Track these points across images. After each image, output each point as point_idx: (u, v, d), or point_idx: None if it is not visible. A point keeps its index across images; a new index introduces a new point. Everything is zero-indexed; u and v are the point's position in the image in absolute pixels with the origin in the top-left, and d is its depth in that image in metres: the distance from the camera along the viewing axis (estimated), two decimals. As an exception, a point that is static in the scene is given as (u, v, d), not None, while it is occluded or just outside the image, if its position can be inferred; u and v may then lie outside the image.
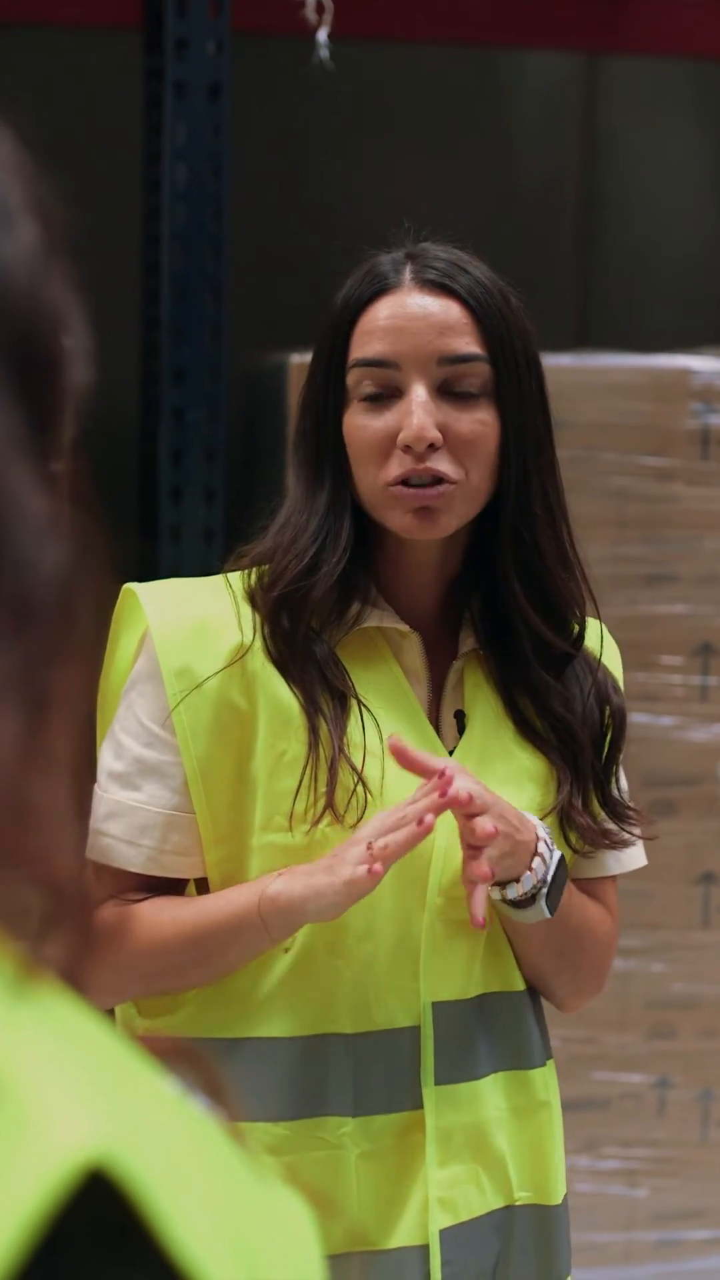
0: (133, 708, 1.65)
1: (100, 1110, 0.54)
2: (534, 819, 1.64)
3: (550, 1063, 1.74)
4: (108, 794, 1.66)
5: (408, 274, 1.65)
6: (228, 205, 2.95)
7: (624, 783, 1.77)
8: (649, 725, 3.05)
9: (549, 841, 1.63)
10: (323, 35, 3.00)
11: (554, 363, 3.24)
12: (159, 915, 1.63)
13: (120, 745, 1.66)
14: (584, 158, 4.00)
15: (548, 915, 1.63)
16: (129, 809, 1.65)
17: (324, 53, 2.99)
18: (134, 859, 1.65)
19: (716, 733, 3.16)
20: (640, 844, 1.77)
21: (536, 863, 1.61)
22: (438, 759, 1.59)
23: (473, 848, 1.56)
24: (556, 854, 1.63)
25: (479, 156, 3.87)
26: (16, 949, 0.58)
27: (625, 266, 4.01)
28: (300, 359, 2.97)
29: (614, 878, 1.78)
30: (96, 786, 1.67)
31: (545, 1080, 1.71)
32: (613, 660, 1.78)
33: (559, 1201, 1.72)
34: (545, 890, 1.62)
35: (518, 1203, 1.68)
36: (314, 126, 3.73)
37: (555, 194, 3.97)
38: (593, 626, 1.76)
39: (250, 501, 3.39)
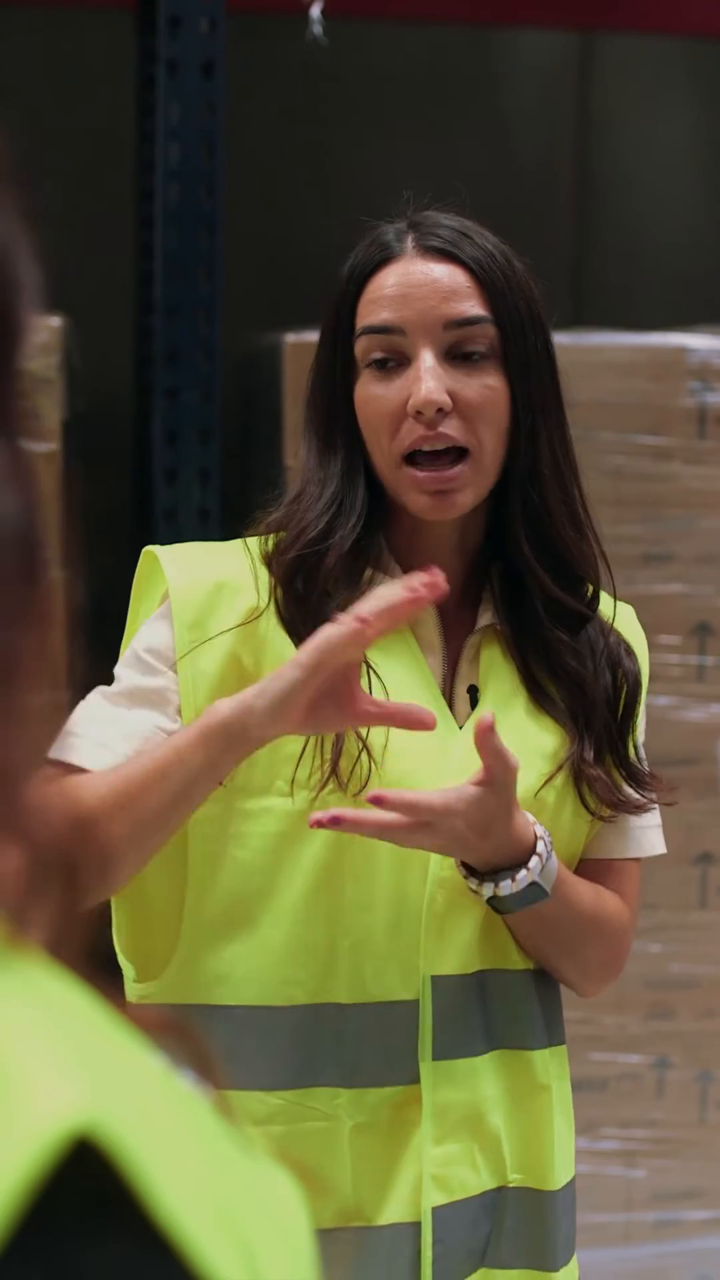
0: (139, 639, 1.64)
1: (86, 1079, 0.53)
2: (540, 849, 1.61)
3: (559, 1048, 1.72)
4: (92, 705, 1.63)
5: (410, 242, 1.66)
6: (222, 184, 2.93)
7: (643, 751, 1.76)
8: (646, 705, 3.04)
9: (536, 869, 1.60)
10: (316, 12, 2.98)
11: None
12: (93, 776, 1.56)
13: (118, 678, 1.65)
14: (579, 136, 3.99)
15: (493, 909, 1.62)
16: (115, 720, 1.61)
17: (318, 30, 2.98)
18: (99, 758, 1.59)
19: (714, 712, 3.16)
20: (659, 831, 1.76)
21: (505, 883, 1.60)
22: (510, 754, 1.54)
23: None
24: (536, 877, 1.60)
25: (474, 135, 3.86)
26: (2, 918, 0.57)
27: (620, 245, 4.00)
28: (295, 338, 2.96)
29: (635, 861, 1.76)
30: (83, 701, 1.64)
31: (547, 1064, 1.69)
32: (635, 639, 1.77)
33: (557, 1187, 1.69)
34: (492, 896, 1.61)
35: (510, 1184, 1.67)
36: (307, 105, 3.72)
37: (550, 172, 3.96)
38: (622, 610, 1.76)
39: (246, 482, 3.39)
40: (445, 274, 1.65)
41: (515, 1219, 1.67)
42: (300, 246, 3.61)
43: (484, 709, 1.67)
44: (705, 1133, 3.21)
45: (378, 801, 1.51)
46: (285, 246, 3.66)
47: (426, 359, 1.63)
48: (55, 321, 2.79)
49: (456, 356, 1.64)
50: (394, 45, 3.78)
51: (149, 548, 1.69)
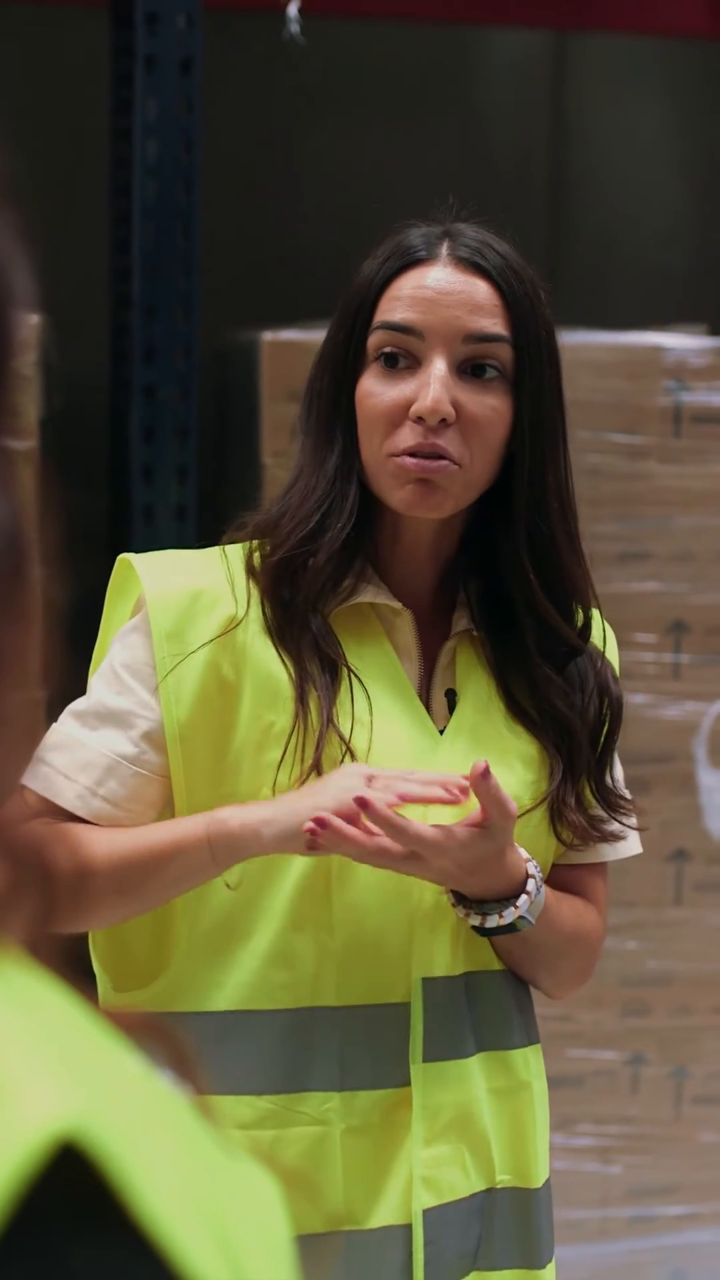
0: (112, 656, 1.65)
1: (71, 1083, 0.53)
2: (529, 887, 1.61)
3: (535, 1046, 1.73)
4: (61, 726, 1.65)
5: (443, 249, 1.65)
6: (199, 181, 2.93)
7: (618, 770, 1.76)
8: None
9: (524, 907, 1.61)
10: (293, 10, 2.98)
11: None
12: (94, 834, 1.61)
13: (91, 688, 1.66)
14: (554, 135, 4.00)
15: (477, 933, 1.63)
16: (76, 744, 1.64)
17: (294, 28, 2.98)
18: (64, 792, 1.63)
19: (689, 710, 3.17)
20: (635, 831, 1.76)
21: (493, 919, 1.60)
22: (509, 801, 1.56)
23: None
24: (523, 912, 1.61)
25: (449, 133, 3.86)
26: None
27: (595, 244, 4.01)
28: (273, 336, 2.96)
29: (604, 865, 1.77)
30: (56, 722, 1.67)
31: (526, 1061, 1.70)
32: (611, 650, 1.77)
33: (539, 1185, 1.70)
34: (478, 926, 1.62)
35: (499, 1186, 1.68)
36: (285, 102, 3.72)
37: (525, 170, 3.97)
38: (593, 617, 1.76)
39: (223, 480, 3.38)
40: (474, 287, 1.63)
41: (505, 1219, 1.68)
42: (277, 244, 3.61)
43: (463, 713, 1.67)
44: (680, 1129, 3.22)
45: (363, 806, 1.51)
46: (262, 244, 3.66)
47: (439, 367, 1.61)
48: (31, 319, 2.78)
49: (468, 371, 1.63)
50: (370, 43, 3.79)
51: (124, 555, 1.68)
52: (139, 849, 1.58)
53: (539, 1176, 1.70)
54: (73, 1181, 0.52)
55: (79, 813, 1.63)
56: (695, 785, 3.18)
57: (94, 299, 3.27)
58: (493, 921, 1.60)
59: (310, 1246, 1.60)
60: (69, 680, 1.62)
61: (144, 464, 2.93)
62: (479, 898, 1.61)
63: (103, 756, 1.62)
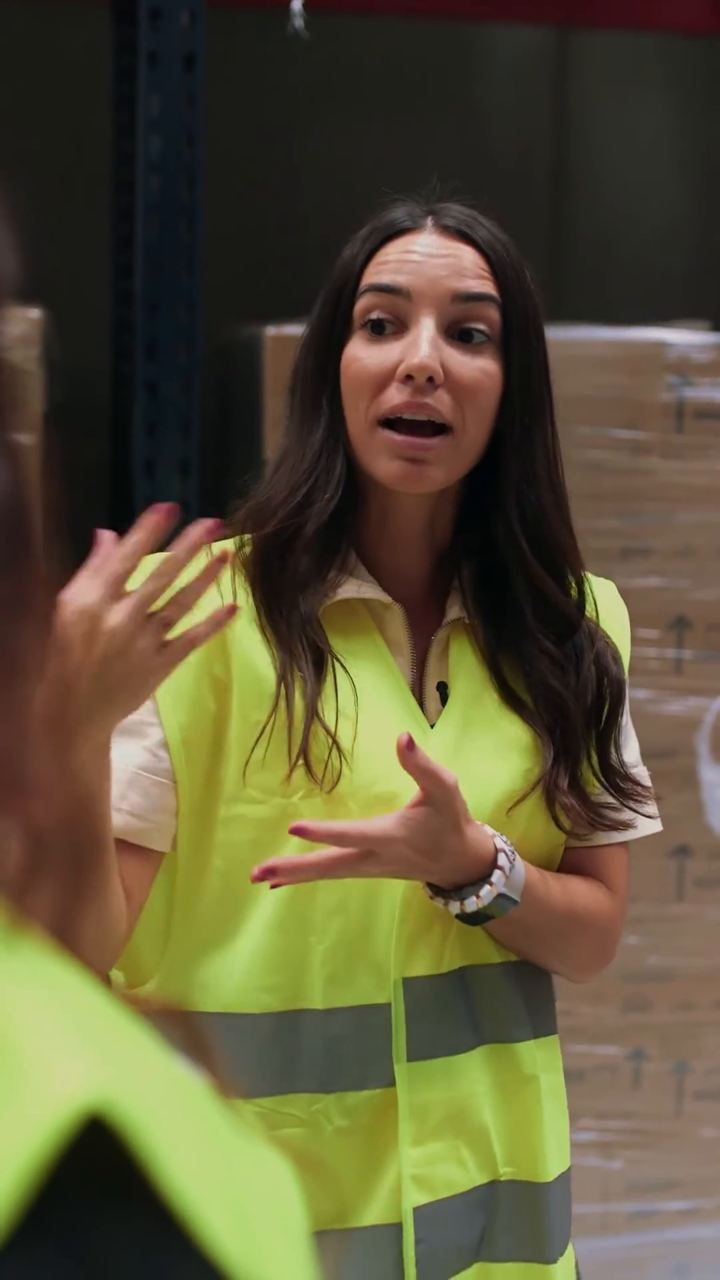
0: None
1: (97, 1058, 0.54)
2: (501, 861, 1.59)
3: (548, 1038, 1.71)
4: None
5: (429, 220, 1.65)
6: (202, 176, 2.93)
7: (632, 755, 1.73)
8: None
9: (500, 884, 1.59)
10: (297, 5, 2.98)
11: (528, 336, 3.23)
12: None
13: None
14: (555, 131, 4.00)
15: (465, 923, 1.62)
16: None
17: (298, 24, 2.98)
18: None
19: (691, 706, 3.17)
20: (653, 809, 1.73)
21: (471, 901, 1.58)
22: (442, 776, 1.54)
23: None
24: (502, 889, 1.59)
25: (450, 129, 3.86)
26: (5, 902, 0.58)
27: (596, 240, 4.01)
28: (275, 331, 2.96)
29: (622, 846, 1.73)
30: None
31: (534, 1055, 1.68)
32: (615, 622, 1.75)
33: (550, 1179, 1.68)
34: (459, 913, 1.60)
35: (502, 1178, 1.66)
36: (288, 98, 3.72)
37: (526, 167, 3.97)
38: (602, 587, 1.74)
39: (225, 474, 3.38)
40: (460, 251, 1.63)
41: (510, 1212, 1.66)
42: (280, 239, 3.61)
43: (454, 705, 1.66)
44: (681, 1124, 3.22)
45: (299, 833, 1.50)
46: (265, 239, 3.66)
47: (428, 326, 1.60)
48: (34, 314, 2.79)
49: (457, 335, 1.62)
50: (374, 39, 3.79)
51: None
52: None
53: (549, 1170, 1.68)
54: (100, 1156, 0.52)
55: None
56: (697, 781, 3.18)
57: (96, 294, 3.28)
58: (472, 905, 1.58)
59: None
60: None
61: (146, 459, 2.93)
62: (454, 884, 1.59)
63: (123, 771, 1.61)
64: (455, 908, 1.59)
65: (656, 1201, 3.21)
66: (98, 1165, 0.52)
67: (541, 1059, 1.69)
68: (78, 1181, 0.52)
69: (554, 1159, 1.69)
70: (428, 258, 1.63)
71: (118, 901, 1.56)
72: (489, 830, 1.60)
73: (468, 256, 1.63)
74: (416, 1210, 1.62)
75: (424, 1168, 1.62)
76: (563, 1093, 1.72)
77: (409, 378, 1.59)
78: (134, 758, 1.62)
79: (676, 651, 3.16)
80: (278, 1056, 1.62)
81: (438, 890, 1.60)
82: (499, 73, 3.97)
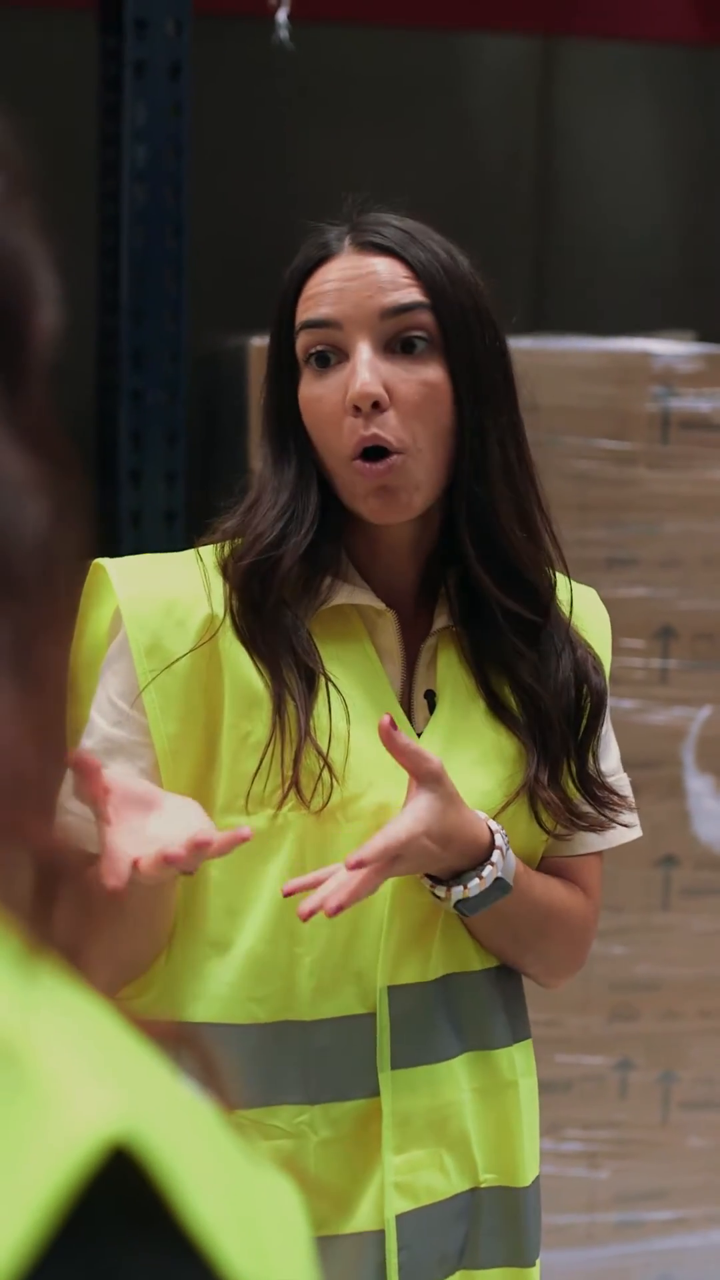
0: (106, 686, 1.64)
1: (117, 1088, 0.54)
2: (498, 841, 1.60)
3: (524, 1043, 1.72)
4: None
5: (346, 241, 1.64)
6: (188, 186, 2.93)
7: (610, 764, 1.74)
8: (610, 708, 3.05)
9: (499, 866, 1.60)
10: (282, 16, 2.98)
11: (512, 345, 3.23)
12: None
13: (93, 724, 1.64)
14: (540, 141, 4.00)
15: (459, 914, 1.62)
16: None
17: (283, 33, 2.98)
18: (89, 835, 1.63)
19: (676, 715, 3.17)
20: (632, 818, 1.74)
21: (474, 884, 1.59)
22: (425, 757, 1.55)
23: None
24: (500, 872, 1.60)
25: (437, 139, 3.86)
26: (19, 927, 0.58)
27: (582, 249, 4.01)
28: (261, 341, 2.95)
29: (598, 855, 1.75)
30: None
31: (513, 1060, 1.69)
32: (596, 628, 1.75)
33: (528, 1184, 1.70)
34: (462, 899, 1.60)
35: (483, 1185, 1.67)
36: (273, 107, 3.72)
37: (512, 176, 3.97)
38: (582, 594, 1.74)
39: (211, 484, 3.38)
40: (382, 266, 1.62)
41: (492, 1218, 1.67)
42: (266, 248, 3.61)
43: (441, 715, 1.66)
44: (668, 1134, 3.22)
45: (359, 866, 1.50)
46: (251, 248, 3.65)
47: (363, 352, 1.60)
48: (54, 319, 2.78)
49: (397, 350, 1.61)
50: (359, 49, 3.79)
51: (98, 560, 1.66)
52: None
53: (527, 1175, 1.69)
54: (123, 1186, 0.52)
55: None
56: (683, 790, 3.19)
57: (82, 303, 3.27)
58: (475, 888, 1.58)
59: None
60: (59, 680, 1.61)
61: (132, 468, 2.93)
62: (455, 871, 1.59)
63: None
64: (458, 893, 1.59)
65: (643, 1211, 3.21)
66: (121, 1194, 0.52)
67: (520, 1064, 1.70)
68: (102, 1211, 0.52)
69: (530, 1164, 1.70)
70: (348, 281, 1.62)
71: (163, 917, 1.59)
72: (481, 815, 1.61)
73: (388, 270, 1.62)
74: (399, 1218, 1.62)
75: (406, 1175, 1.62)
76: (536, 1097, 1.73)
77: (356, 408, 1.59)
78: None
79: (662, 661, 3.16)
80: (264, 1068, 1.62)
81: (436, 881, 1.61)
82: (485, 82, 3.98)
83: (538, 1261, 1.73)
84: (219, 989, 1.62)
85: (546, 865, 1.72)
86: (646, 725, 3.15)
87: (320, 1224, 1.61)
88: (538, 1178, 1.73)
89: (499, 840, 1.60)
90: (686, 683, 3.18)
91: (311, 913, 1.50)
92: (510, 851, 1.62)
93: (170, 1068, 0.59)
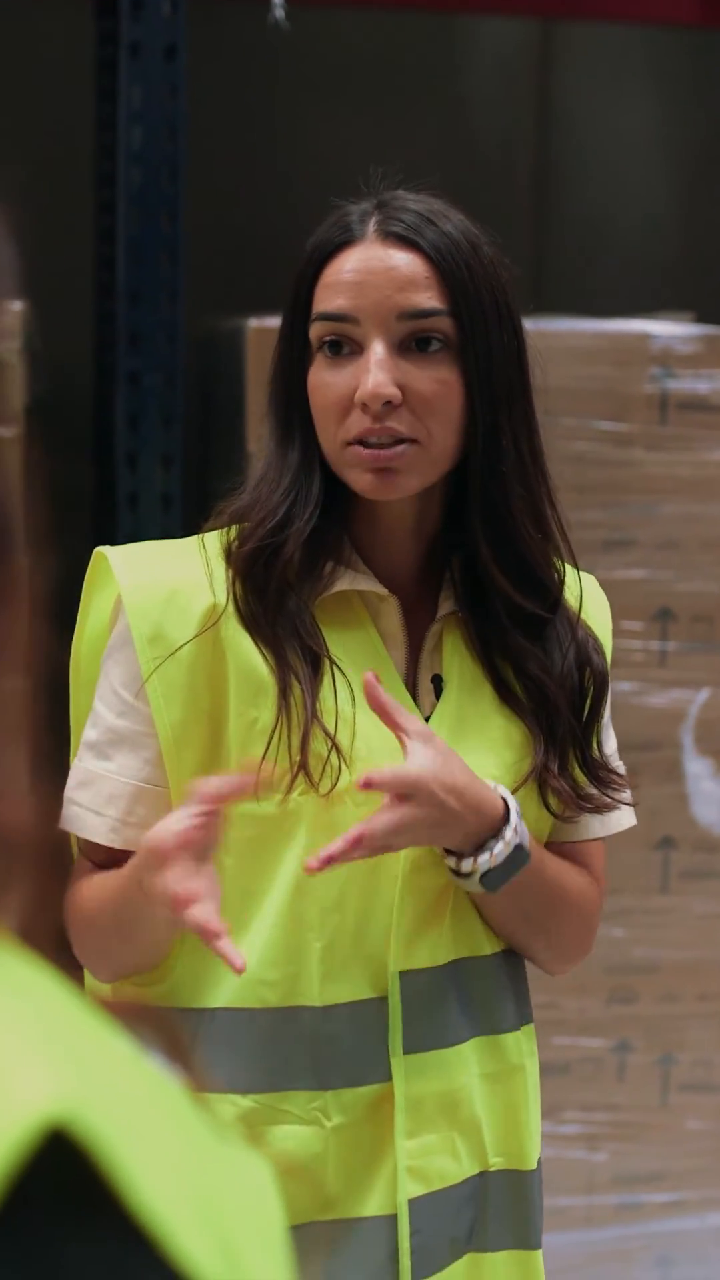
0: (108, 676, 1.64)
1: (61, 1068, 0.53)
2: (511, 804, 1.60)
3: (528, 1027, 1.72)
4: (81, 763, 1.65)
5: (372, 225, 1.62)
6: (184, 168, 2.93)
7: (610, 745, 1.74)
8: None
9: (517, 829, 1.60)
10: (278, -3, 2.97)
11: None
12: (91, 887, 1.63)
13: (96, 714, 1.64)
14: (539, 123, 3.99)
15: (483, 890, 1.61)
16: (98, 778, 1.63)
17: (279, 14, 2.97)
18: (98, 829, 1.64)
19: (675, 698, 3.17)
20: (628, 806, 1.75)
21: (499, 847, 1.59)
22: (408, 716, 1.56)
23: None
24: (519, 839, 1.60)
25: (434, 121, 3.85)
26: None
27: (580, 231, 4.01)
28: (258, 323, 2.95)
29: (600, 841, 1.75)
30: (75, 756, 1.67)
31: (519, 1044, 1.69)
32: (599, 616, 1.75)
33: (533, 1166, 1.70)
34: (485, 871, 1.60)
35: (492, 1169, 1.67)
36: (269, 89, 3.71)
37: (510, 159, 3.96)
38: (586, 582, 1.73)
39: (208, 467, 3.38)
40: (404, 262, 1.60)
41: (500, 1201, 1.67)
42: (262, 231, 3.60)
43: (448, 700, 1.66)
44: (666, 1116, 3.22)
45: (368, 785, 1.51)
46: (247, 230, 3.65)
47: (377, 350, 1.59)
48: (16, 306, 2.78)
49: (412, 347, 1.60)
50: (356, 31, 3.78)
51: (100, 549, 1.66)
52: (106, 888, 1.60)
53: (532, 1158, 1.70)
54: (63, 1169, 0.51)
55: (115, 845, 1.62)
56: (682, 773, 3.18)
57: (79, 286, 3.27)
58: (500, 852, 1.58)
59: (297, 1236, 1.59)
60: (51, 665, 1.61)
61: (129, 451, 2.93)
62: (473, 844, 1.59)
63: (125, 785, 1.62)
64: (485, 861, 1.58)
65: (642, 1194, 3.21)
66: (62, 1177, 0.51)
67: (525, 1047, 1.71)
68: (41, 1194, 0.51)
69: (534, 1146, 1.71)
70: (371, 274, 1.60)
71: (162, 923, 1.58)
72: (490, 782, 1.61)
73: (410, 267, 1.60)
74: (412, 1202, 1.62)
75: (419, 1159, 1.63)
76: (538, 1080, 1.73)
77: (365, 405, 1.58)
78: (136, 770, 1.62)
79: (661, 644, 3.16)
80: (276, 1053, 1.62)
81: (459, 856, 1.60)
82: (483, 65, 3.97)
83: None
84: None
85: (551, 851, 1.71)
86: (645, 708, 3.14)
87: (334, 1208, 1.62)
88: (540, 1160, 1.73)
89: (512, 804, 1.60)
90: (685, 665, 3.18)
91: (323, 864, 1.50)
92: (522, 821, 1.62)
93: (134, 1048, 0.58)
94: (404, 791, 1.53)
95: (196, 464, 3.23)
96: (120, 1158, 0.51)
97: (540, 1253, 1.72)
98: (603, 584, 1.79)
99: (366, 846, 1.52)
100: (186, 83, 2.91)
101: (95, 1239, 0.51)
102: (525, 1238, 1.70)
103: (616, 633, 3.01)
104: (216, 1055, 1.60)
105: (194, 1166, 0.55)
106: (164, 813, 1.61)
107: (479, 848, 1.59)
